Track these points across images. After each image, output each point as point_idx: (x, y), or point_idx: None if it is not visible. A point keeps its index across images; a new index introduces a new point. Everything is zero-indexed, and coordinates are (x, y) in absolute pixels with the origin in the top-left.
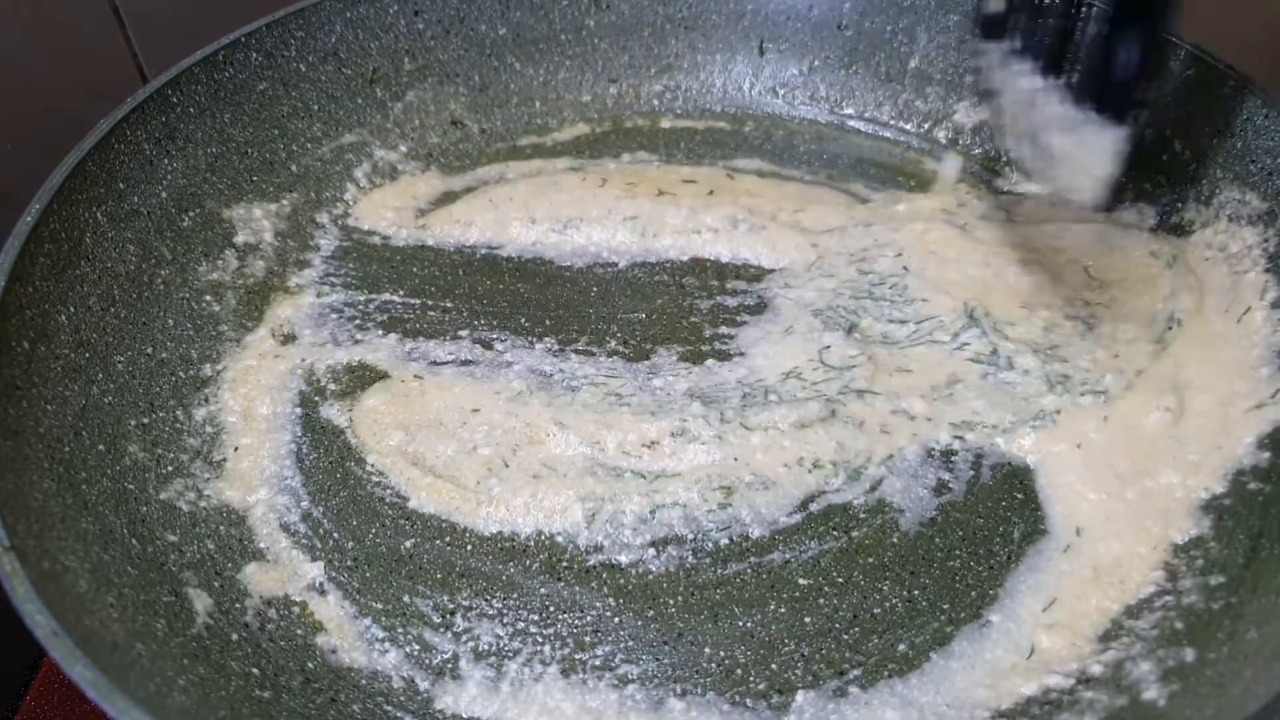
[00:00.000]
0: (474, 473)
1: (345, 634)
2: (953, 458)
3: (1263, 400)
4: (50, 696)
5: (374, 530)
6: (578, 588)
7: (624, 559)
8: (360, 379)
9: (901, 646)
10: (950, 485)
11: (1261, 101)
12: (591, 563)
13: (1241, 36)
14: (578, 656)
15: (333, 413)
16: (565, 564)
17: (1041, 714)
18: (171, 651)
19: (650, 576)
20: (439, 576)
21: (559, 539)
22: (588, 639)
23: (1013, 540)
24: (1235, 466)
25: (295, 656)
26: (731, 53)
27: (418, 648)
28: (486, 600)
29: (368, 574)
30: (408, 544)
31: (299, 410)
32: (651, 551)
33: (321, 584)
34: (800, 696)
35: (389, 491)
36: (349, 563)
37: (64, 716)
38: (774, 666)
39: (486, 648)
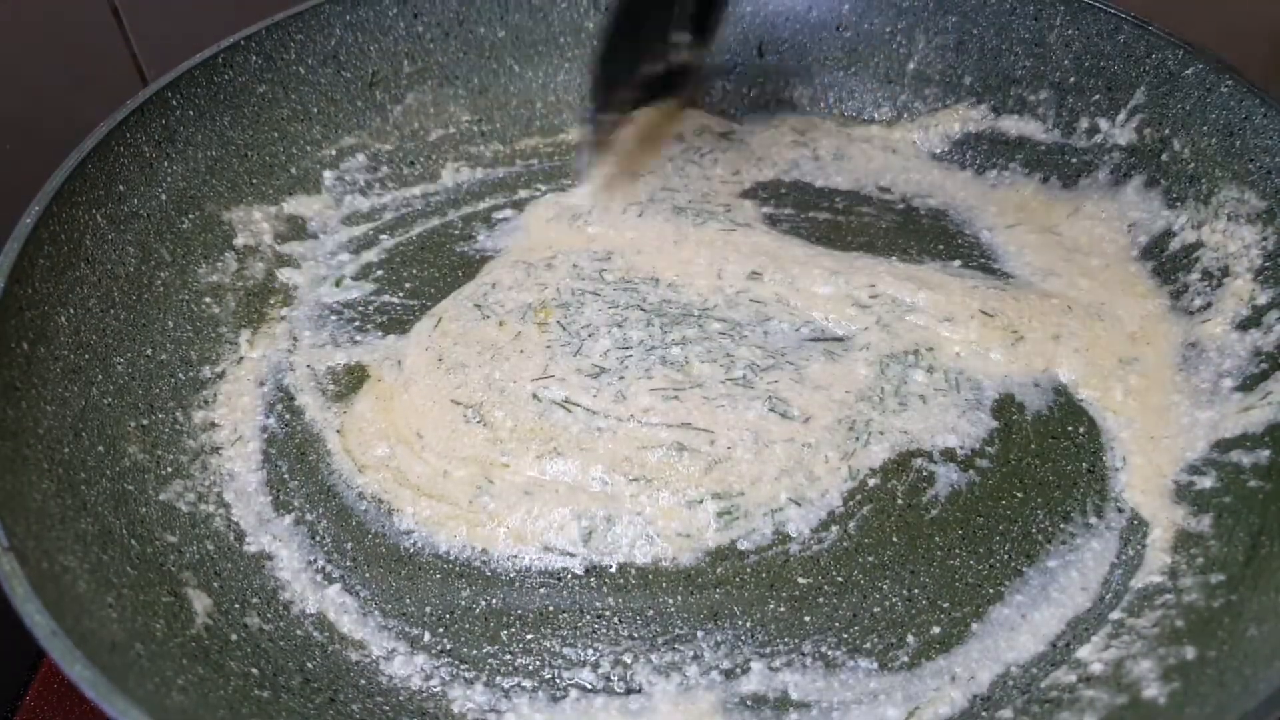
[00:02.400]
0: (465, 481)
1: (344, 634)
2: (952, 458)
3: (1252, 404)
4: (50, 696)
5: (373, 530)
6: (577, 588)
7: (623, 562)
8: (359, 380)
9: (900, 646)
10: (949, 486)
11: (1261, 101)
12: (590, 564)
13: (1241, 36)
14: (576, 657)
15: (329, 415)
16: (564, 566)
17: (1041, 712)
18: (170, 651)
19: (650, 577)
20: (438, 578)
21: (555, 548)
22: (587, 640)
23: (1012, 539)
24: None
25: (294, 656)
26: (731, 54)
27: (417, 649)
28: (486, 600)
29: (367, 574)
30: (407, 544)
31: (298, 412)
32: (651, 554)
33: (321, 584)
34: (800, 695)
35: (384, 498)
36: (348, 563)
37: (64, 716)
38: (774, 665)
39: (485, 648)
